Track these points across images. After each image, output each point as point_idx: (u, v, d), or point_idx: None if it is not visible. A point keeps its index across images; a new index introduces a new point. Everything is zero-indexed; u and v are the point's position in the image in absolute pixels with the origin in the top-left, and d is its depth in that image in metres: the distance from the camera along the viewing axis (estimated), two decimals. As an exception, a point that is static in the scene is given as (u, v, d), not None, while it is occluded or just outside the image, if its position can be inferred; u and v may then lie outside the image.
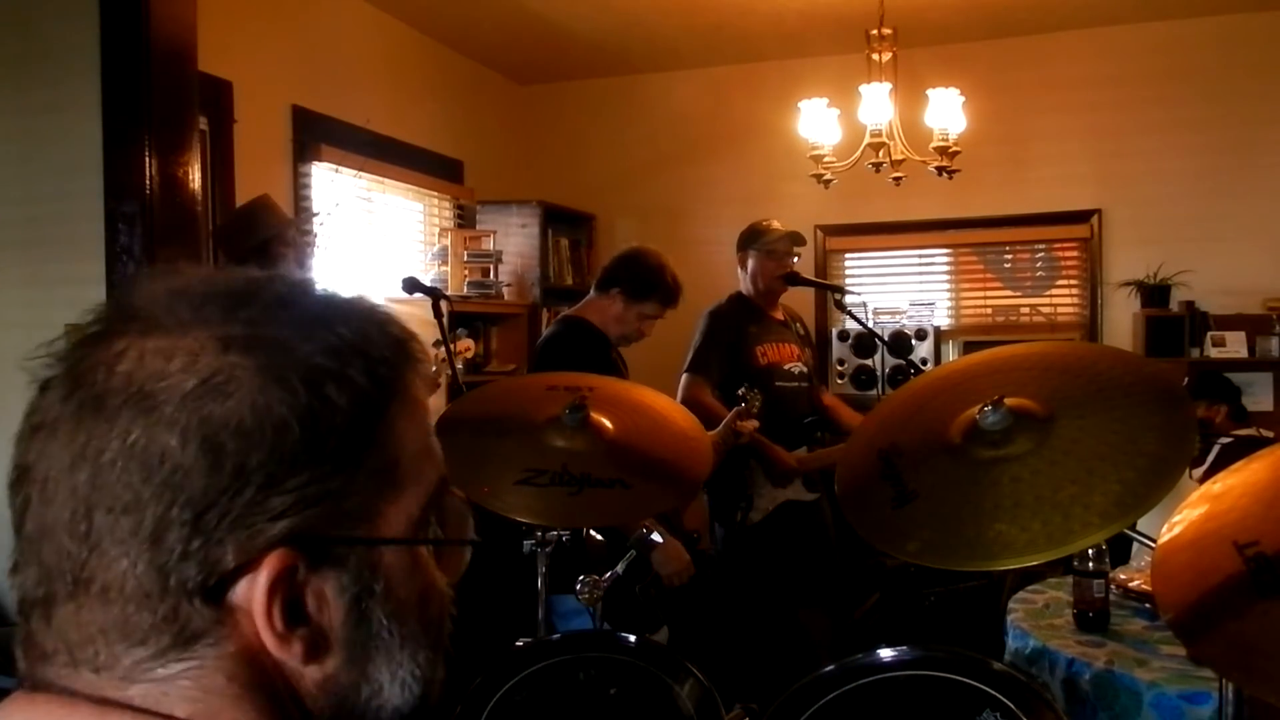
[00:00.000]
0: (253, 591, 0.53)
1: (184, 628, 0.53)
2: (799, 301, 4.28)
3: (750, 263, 3.41)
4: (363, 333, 0.58)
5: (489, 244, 4.87)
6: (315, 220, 3.96)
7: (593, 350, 2.83)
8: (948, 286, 5.27)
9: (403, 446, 0.58)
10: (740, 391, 2.87)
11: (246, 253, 2.97)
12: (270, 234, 3.03)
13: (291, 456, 0.53)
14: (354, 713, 0.58)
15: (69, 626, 0.53)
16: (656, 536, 2.00)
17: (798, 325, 3.53)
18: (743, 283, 3.45)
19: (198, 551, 0.52)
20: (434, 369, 3.40)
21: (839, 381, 4.87)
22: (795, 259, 3.44)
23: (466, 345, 3.65)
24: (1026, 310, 5.13)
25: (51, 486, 0.53)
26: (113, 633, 0.53)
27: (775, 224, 3.43)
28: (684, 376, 3.30)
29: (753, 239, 3.42)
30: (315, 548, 0.54)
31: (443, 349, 3.17)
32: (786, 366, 3.35)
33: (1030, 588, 2.45)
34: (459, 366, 3.20)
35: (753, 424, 2.84)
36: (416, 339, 0.62)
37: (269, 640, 0.54)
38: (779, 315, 3.47)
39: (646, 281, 2.90)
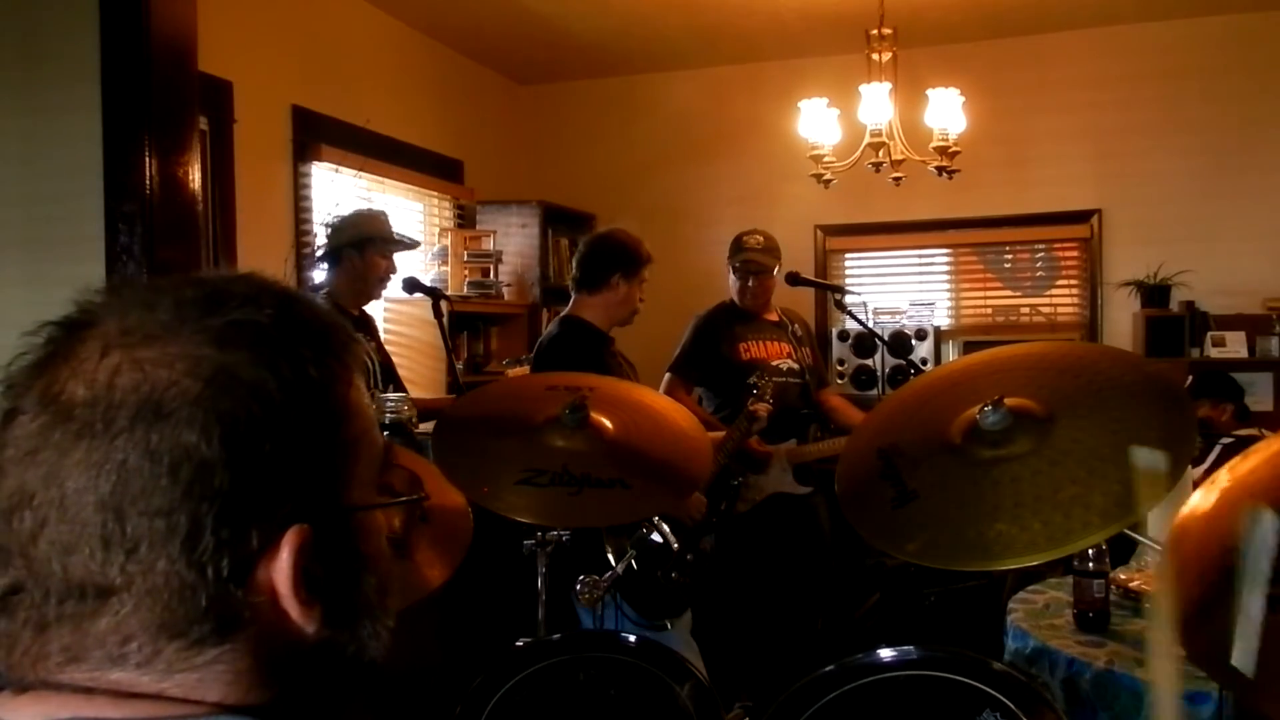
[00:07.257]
0: (272, 570, 0.57)
1: (223, 615, 0.56)
2: (800, 302, 4.29)
3: (729, 275, 3.53)
4: (318, 316, 0.63)
5: (489, 244, 4.87)
6: (315, 222, 3.96)
7: (594, 350, 2.89)
8: (948, 286, 5.27)
9: (357, 418, 0.63)
10: (751, 380, 3.02)
11: (344, 243, 3.05)
12: (375, 235, 3.08)
13: (291, 436, 0.57)
14: (343, 667, 0.63)
15: (101, 632, 0.55)
16: (656, 537, 2.00)
17: (795, 327, 3.58)
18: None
19: (229, 541, 0.55)
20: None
21: (839, 381, 4.85)
22: (770, 271, 3.46)
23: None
24: (1026, 310, 5.12)
25: (73, 502, 0.54)
26: (154, 629, 0.55)
27: (755, 237, 3.48)
28: (665, 375, 3.48)
29: (729, 253, 3.53)
30: (318, 519, 0.58)
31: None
32: (774, 363, 3.43)
33: (1030, 588, 2.45)
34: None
35: (766, 406, 2.99)
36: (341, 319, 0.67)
37: (294, 610, 0.58)
38: (772, 317, 3.56)
39: (633, 256, 2.98)
